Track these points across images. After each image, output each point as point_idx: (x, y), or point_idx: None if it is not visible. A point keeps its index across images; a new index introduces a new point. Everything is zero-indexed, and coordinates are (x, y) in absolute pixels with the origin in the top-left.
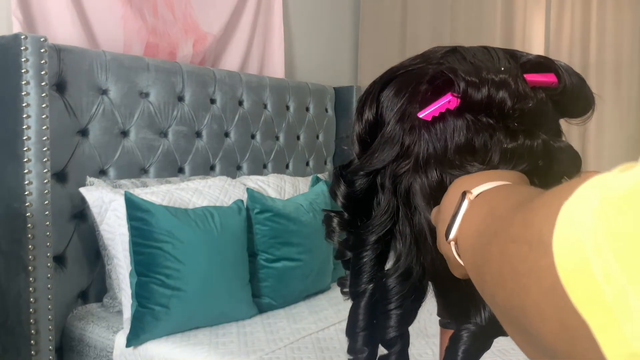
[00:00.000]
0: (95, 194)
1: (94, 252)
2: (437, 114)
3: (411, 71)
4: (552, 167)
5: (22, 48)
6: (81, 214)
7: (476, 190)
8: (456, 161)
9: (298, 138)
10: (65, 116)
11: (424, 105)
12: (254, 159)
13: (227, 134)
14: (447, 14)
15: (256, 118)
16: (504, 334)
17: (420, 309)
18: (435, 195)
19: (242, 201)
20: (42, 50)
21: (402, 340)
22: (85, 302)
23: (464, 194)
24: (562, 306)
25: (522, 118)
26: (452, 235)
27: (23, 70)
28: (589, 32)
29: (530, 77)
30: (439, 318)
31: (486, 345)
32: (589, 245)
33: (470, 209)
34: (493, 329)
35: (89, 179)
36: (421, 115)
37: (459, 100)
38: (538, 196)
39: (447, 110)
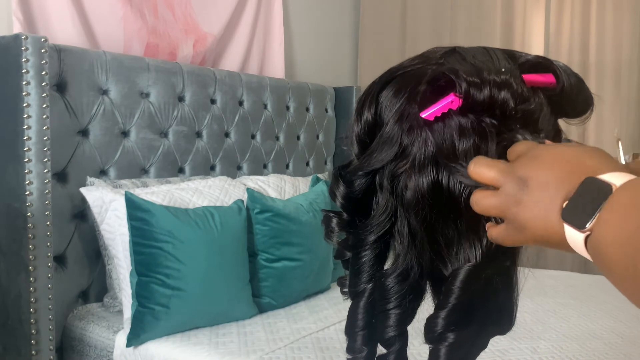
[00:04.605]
0: (96, 194)
1: (95, 252)
2: (439, 115)
3: (410, 72)
4: None
5: (22, 48)
6: (81, 214)
7: (619, 181)
8: (452, 163)
9: (298, 138)
10: (66, 116)
11: (423, 105)
12: (254, 159)
13: (227, 134)
14: (447, 14)
15: (256, 118)
16: (501, 333)
17: (419, 308)
18: (429, 195)
19: (242, 201)
20: (42, 51)
21: (401, 340)
22: (85, 302)
23: (596, 182)
24: None
25: (525, 119)
26: (589, 225)
27: (23, 71)
28: (588, 33)
29: (529, 78)
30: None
31: (483, 345)
32: None
33: (616, 202)
34: (493, 327)
35: (90, 179)
36: (424, 115)
37: (461, 100)
38: None
39: (450, 110)
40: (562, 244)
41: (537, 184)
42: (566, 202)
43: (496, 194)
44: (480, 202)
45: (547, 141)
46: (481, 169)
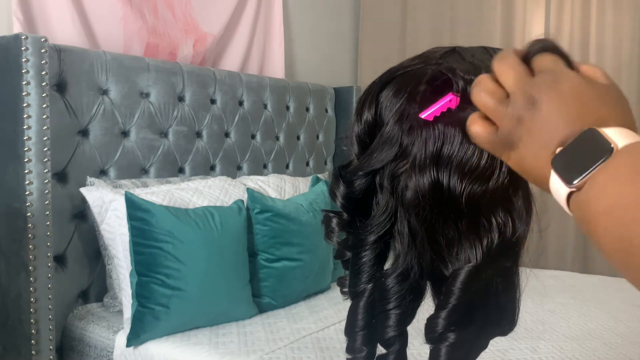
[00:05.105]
0: (96, 194)
1: (95, 252)
2: (438, 114)
3: (410, 72)
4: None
5: (22, 48)
6: (81, 214)
7: (623, 141)
8: (454, 162)
9: (298, 138)
10: (66, 116)
11: (422, 105)
12: (254, 159)
13: (227, 134)
14: (447, 14)
15: (256, 118)
16: (502, 334)
17: (419, 308)
18: (429, 195)
19: (242, 201)
20: (42, 51)
21: (401, 340)
22: (85, 302)
23: (598, 137)
24: None
25: None
26: (577, 182)
27: (23, 71)
28: (588, 33)
29: None
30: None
31: (484, 345)
32: None
33: (615, 162)
34: (494, 328)
35: (90, 179)
36: (423, 115)
37: (459, 99)
38: None
39: (449, 109)
40: (543, 185)
41: (545, 112)
42: (560, 148)
43: (499, 95)
44: (481, 95)
45: (583, 67)
46: (504, 67)
